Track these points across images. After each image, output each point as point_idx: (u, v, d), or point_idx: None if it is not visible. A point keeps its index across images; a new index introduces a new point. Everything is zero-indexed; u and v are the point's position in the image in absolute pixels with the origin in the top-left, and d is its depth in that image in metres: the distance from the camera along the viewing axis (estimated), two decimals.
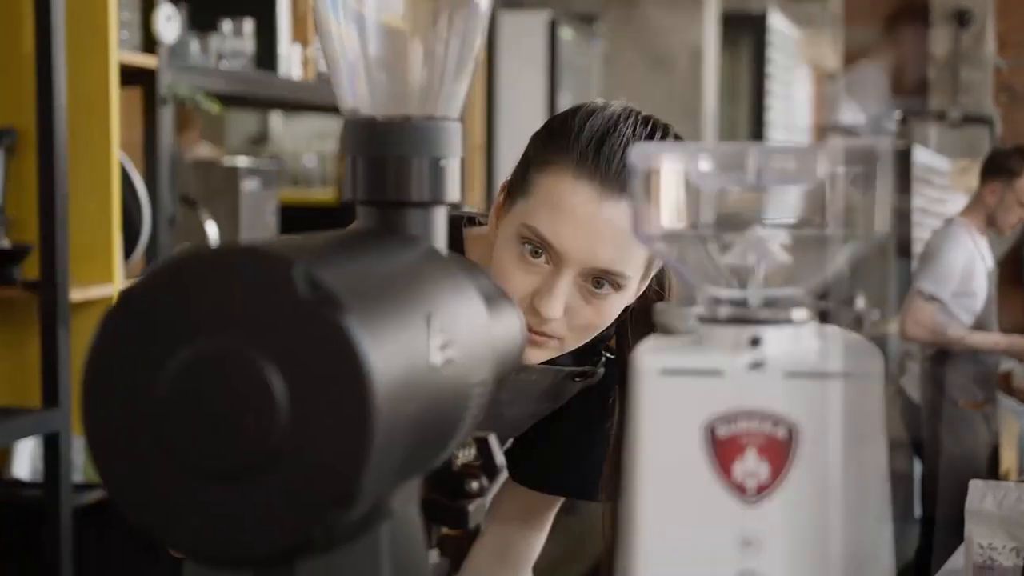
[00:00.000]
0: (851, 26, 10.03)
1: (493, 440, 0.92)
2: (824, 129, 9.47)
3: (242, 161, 3.34)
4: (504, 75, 5.07)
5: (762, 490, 0.70)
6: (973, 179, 8.68)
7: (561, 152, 1.29)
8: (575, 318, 1.31)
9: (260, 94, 3.32)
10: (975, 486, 1.92)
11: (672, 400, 0.71)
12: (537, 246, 1.29)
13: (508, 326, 0.88)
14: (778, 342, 0.72)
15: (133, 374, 0.65)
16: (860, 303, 6.64)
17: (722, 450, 0.70)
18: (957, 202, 8.69)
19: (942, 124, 7.86)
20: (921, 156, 7.46)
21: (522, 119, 5.25)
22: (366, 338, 0.63)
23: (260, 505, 0.64)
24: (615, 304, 1.32)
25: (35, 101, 2.46)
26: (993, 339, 4.50)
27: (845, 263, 0.74)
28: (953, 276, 4.36)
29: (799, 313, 0.73)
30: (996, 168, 4.49)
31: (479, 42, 0.86)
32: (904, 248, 7.31)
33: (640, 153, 0.73)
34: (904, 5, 9.51)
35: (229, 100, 3.34)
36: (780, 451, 0.70)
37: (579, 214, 1.27)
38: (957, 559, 2.07)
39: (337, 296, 0.63)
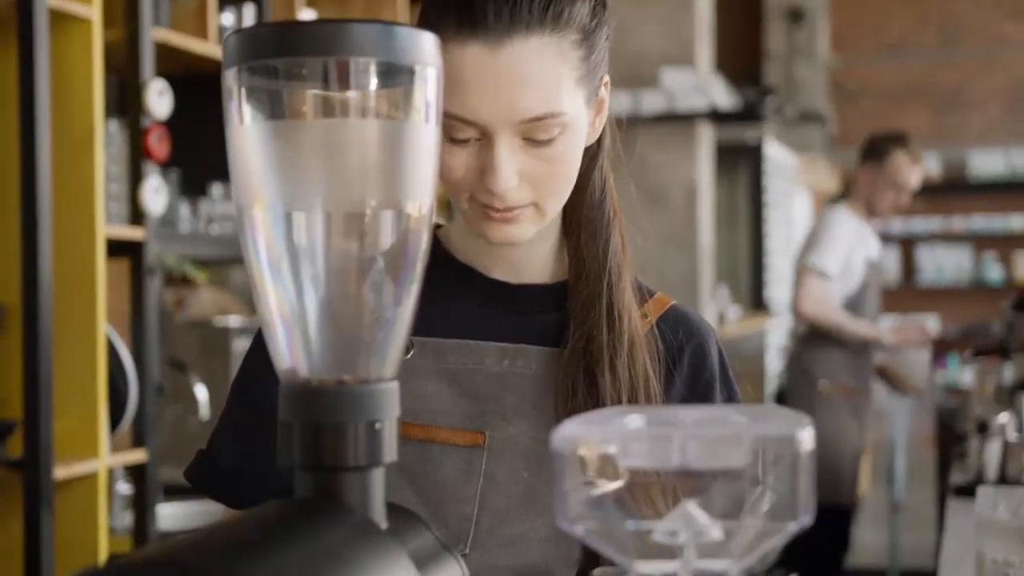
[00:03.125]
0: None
1: None
2: None
3: (234, 321, 3.35)
4: None
5: None
6: (815, 175, 8.73)
7: (436, 25, 1.17)
8: (534, 178, 1.20)
9: None
10: (984, 493, 1.70)
11: None
12: (456, 128, 1.17)
13: None
14: None
15: None
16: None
17: None
18: (802, 196, 8.75)
19: (779, 121, 7.91)
20: (772, 150, 7.49)
21: None
22: None
23: None
24: (568, 146, 1.21)
25: (21, 277, 2.48)
26: (872, 331, 4.44)
27: (777, 544, 0.73)
28: (839, 253, 4.38)
29: None
30: (868, 152, 4.57)
31: (412, 300, 0.86)
32: (757, 244, 7.36)
33: (564, 436, 0.73)
34: None
35: (220, 262, 3.36)
36: None
37: (477, 74, 1.15)
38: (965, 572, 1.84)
39: None
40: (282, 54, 0.79)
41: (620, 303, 1.30)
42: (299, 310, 0.84)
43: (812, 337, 4.45)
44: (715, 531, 0.73)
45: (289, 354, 0.85)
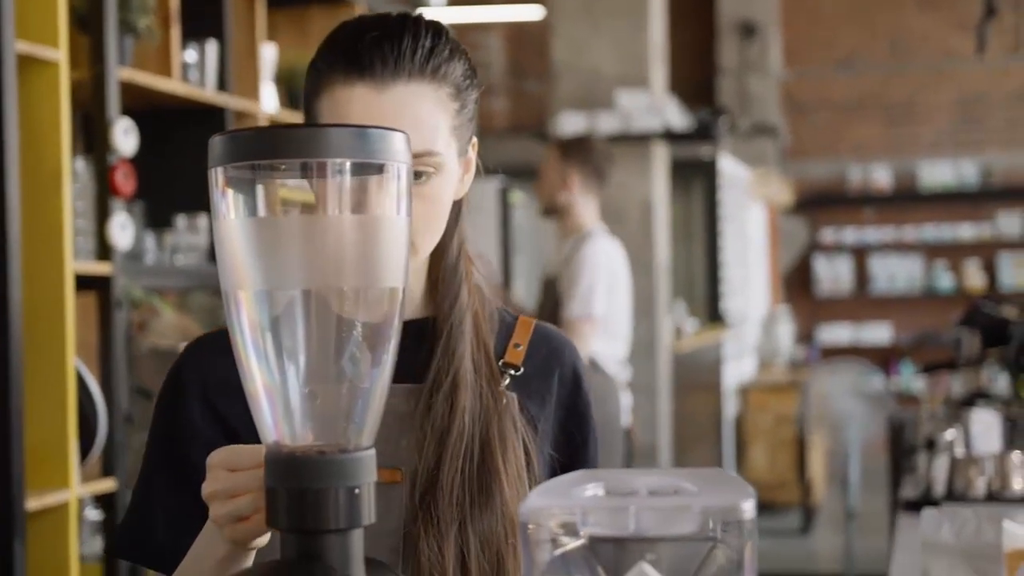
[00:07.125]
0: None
1: None
2: None
3: None
4: None
5: None
6: (768, 187, 8.83)
7: (325, 71, 1.27)
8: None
9: (215, 285, 3.39)
10: (929, 515, 1.77)
11: None
12: None
13: None
14: None
15: None
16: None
17: None
18: (756, 209, 8.90)
19: (733, 134, 7.96)
20: (726, 165, 7.63)
21: None
22: None
23: None
24: (440, 188, 1.29)
25: None
26: None
27: None
28: None
29: None
30: None
31: (387, 371, 0.94)
32: (712, 257, 7.43)
33: (531, 508, 0.81)
34: None
35: (185, 291, 3.42)
36: None
37: (363, 111, 1.24)
38: None
39: None
40: (263, 156, 0.87)
41: (460, 367, 1.33)
42: (282, 386, 0.91)
43: None
44: None
45: (274, 426, 0.92)
